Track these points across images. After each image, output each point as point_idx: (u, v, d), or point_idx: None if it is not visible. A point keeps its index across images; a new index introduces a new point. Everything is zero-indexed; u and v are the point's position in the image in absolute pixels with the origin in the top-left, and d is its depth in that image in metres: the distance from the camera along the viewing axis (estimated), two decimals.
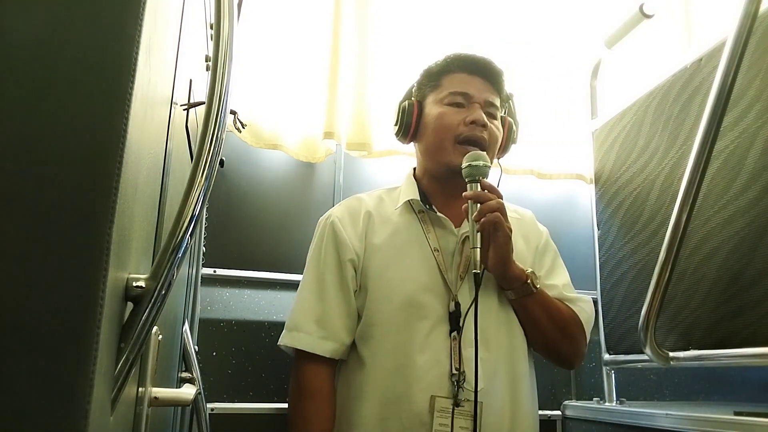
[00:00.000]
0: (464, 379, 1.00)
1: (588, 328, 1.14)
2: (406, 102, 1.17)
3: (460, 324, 1.03)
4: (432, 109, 1.13)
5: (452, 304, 1.04)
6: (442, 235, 1.11)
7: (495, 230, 1.00)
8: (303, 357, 1.08)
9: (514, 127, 1.20)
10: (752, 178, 1.09)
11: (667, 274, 1.05)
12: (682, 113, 1.31)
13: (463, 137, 1.08)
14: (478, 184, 1.03)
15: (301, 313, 1.10)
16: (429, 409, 0.98)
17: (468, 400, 0.98)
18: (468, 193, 1.03)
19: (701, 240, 1.18)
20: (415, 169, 1.22)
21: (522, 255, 1.13)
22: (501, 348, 1.06)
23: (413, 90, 1.20)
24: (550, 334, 1.09)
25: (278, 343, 1.11)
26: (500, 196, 1.03)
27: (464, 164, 1.05)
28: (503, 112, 1.19)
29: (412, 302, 1.04)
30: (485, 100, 1.12)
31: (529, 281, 1.05)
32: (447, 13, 1.70)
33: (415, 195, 1.14)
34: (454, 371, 1.00)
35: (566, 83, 1.79)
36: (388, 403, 1.01)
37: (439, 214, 1.12)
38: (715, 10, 1.83)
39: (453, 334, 1.02)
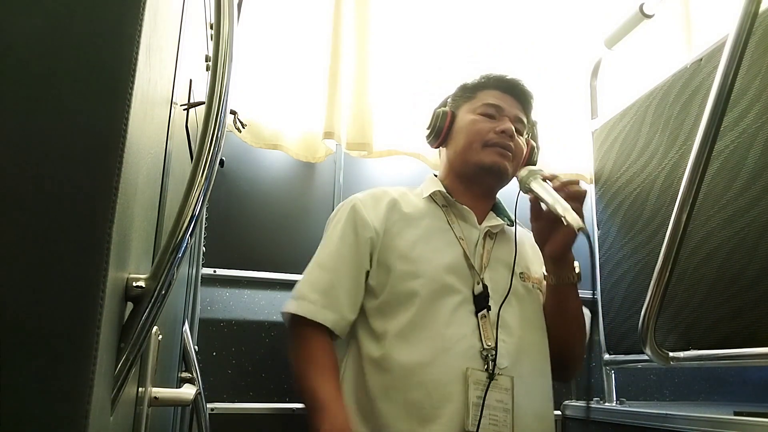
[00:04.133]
0: (495, 355, 1.02)
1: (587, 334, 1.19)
2: (441, 110, 1.23)
3: (488, 304, 1.06)
4: (465, 116, 1.20)
5: (478, 287, 1.07)
6: (465, 227, 1.15)
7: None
8: (301, 324, 1.08)
9: (535, 149, 1.26)
10: (752, 178, 1.09)
11: (667, 274, 1.05)
12: (682, 113, 1.31)
13: (492, 142, 1.15)
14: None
15: (307, 284, 1.11)
16: (461, 379, 0.99)
17: (502, 375, 1.01)
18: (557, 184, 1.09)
19: (701, 240, 1.18)
20: (436, 175, 1.27)
21: (533, 263, 1.19)
22: (523, 337, 1.08)
23: (448, 101, 1.27)
24: (572, 328, 1.13)
25: (281, 311, 1.13)
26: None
27: (522, 173, 1.11)
28: (528, 135, 1.25)
29: (438, 280, 1.06)
30: (515, 116, 1.19)
31: (577, 270, 1.11)
32: (447, 12, 1.70)
33: (439, 188, 1.19)
34: (486, 346, 1.01)
35: (566, 83, 1.79)
36: (410, 374, 1.00)
37: (462, 206, 1.16)
38: (715, 10, 1.83)
39: (481, 312, 1.05)
